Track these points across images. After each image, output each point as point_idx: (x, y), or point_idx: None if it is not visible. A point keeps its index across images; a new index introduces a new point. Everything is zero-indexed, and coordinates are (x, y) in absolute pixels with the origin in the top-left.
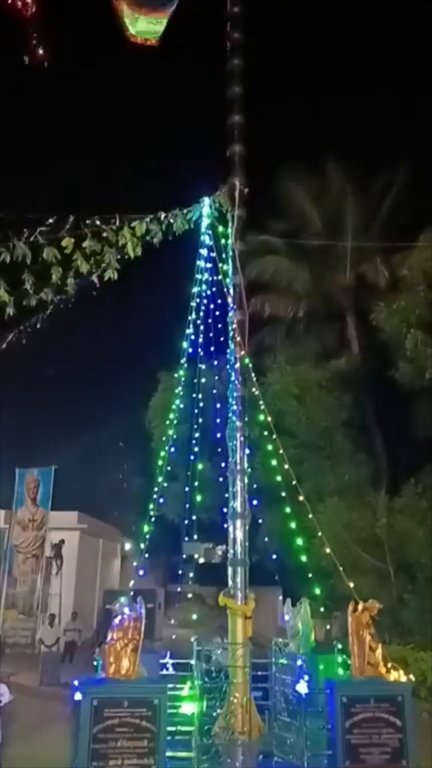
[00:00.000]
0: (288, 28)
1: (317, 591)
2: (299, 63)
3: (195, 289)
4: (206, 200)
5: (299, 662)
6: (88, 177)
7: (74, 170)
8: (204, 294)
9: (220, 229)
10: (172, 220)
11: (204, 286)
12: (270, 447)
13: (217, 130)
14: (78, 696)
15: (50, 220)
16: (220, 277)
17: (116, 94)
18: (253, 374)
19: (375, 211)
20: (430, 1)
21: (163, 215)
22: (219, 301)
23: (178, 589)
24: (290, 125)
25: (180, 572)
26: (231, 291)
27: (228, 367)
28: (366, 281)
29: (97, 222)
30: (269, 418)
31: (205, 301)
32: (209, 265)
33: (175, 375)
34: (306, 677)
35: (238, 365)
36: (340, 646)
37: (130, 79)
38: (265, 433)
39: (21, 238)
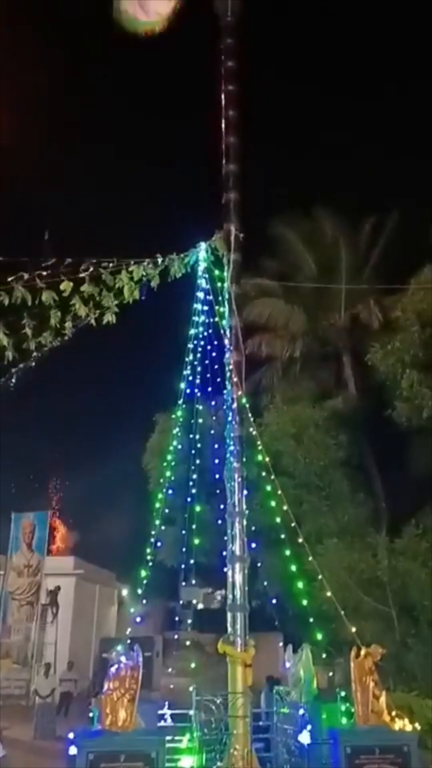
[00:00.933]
0: (280, 80)
1: (319, 636)
2: (290, 113)
3: (192, 331)
4: (203, 245)
5: (301, 711)
6: (87, 222)
7: (73, 214)
8: (201, 336)
9: (217, 272)
10: (169, 264)
11: (201, 328)
12: (268, 488)
13: (212, 177)
14: (73, 750)
15: (50, 261)
16: (216, 319)
17: (114, 140)
18: (250, 414)
19: (367, 253)
20: (409, 52)
21: (160, 259)
22: (216, 342)
23: (176, 636)
24: (283, 171)
25: (178, 619)
26: (227, 332)
27: (225, 407)
28: (360, 322)
29: (95, 265)
30: (267, 459)
31: (202, 342)
32: (206, 308)
33: (173, 416)
34: (309, 727)
35: (235, 405)
36: (343, 693)
37: (129, 127)
38: (263, 473)
39: (19, 282)
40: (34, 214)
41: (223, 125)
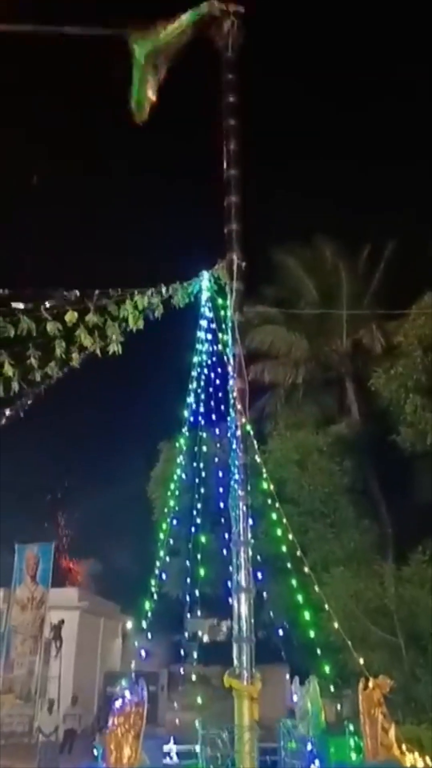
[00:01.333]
0: (278, 113)
1: (326, 668)
2: (291, 141)
3: (196, 359)
4: (205, 274)
5: (309, 745)
6: (91, 253)
7: (77, 246)
8: (204, 363)
9: (219, 301)
10: (173, 294)
11: (204, 356)
12: (273, 516)
13: (214, 208)
14: None
15: (56, 292)
16: (219, 346)
17: (118, 173)
18: (254, 441)
19: (367, 279)
20: (411, 80)
21: (164, 289)
22: (219, 369)
23: (181, 670)
24: (283, 199)
25: (183, 652)
26: (231, 360)
27: (229, 434)
28: (362, 348)
29: (100, 296)
30: (272, 486)
31: (205, 370)
32: (209, 336)
33: (177, 444)
34: (317, 762)
35: (239, 433)
36: (351, 727)
37: (134, 159)
38: (269, 501)
39: (25, 313)
40: (36, 245)
41: (224, 157)
